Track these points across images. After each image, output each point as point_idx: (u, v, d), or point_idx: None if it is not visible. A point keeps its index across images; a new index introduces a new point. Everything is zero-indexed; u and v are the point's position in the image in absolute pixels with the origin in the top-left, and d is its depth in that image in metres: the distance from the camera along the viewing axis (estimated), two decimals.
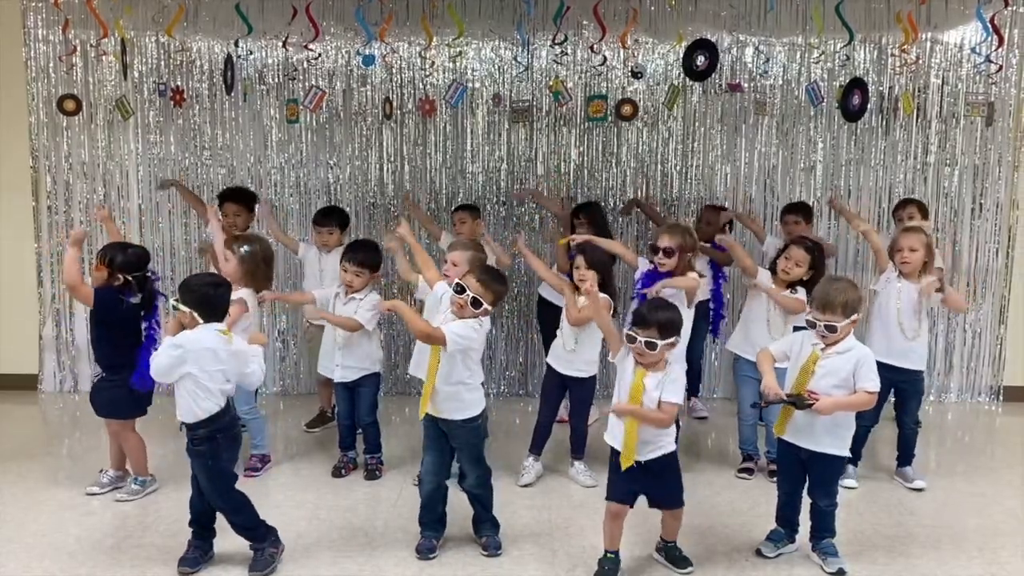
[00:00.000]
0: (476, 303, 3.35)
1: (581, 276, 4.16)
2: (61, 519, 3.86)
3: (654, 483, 3.32)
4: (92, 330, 4.11)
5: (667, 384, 3.21)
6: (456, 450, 3.56)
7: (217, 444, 3.32)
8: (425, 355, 3.49)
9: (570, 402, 4.49)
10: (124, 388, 4.01)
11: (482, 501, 3.62)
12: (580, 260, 4.21)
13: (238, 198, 5.09)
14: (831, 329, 3.34)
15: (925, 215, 5.12)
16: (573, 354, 4.30)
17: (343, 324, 4.30)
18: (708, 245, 5.15)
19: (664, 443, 3.28)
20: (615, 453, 3.30)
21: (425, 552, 3.49)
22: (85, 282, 4.02)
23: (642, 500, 3.38)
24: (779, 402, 3.39)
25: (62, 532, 3.72)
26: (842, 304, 3.33)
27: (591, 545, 3.59)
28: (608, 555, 3.38)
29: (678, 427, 3.68)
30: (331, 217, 5.12)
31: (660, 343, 3.18)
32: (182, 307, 3.27)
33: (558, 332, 4.40)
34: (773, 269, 4.39)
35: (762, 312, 4.38)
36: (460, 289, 3.36)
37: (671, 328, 3.22)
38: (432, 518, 3.57)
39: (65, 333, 6.04)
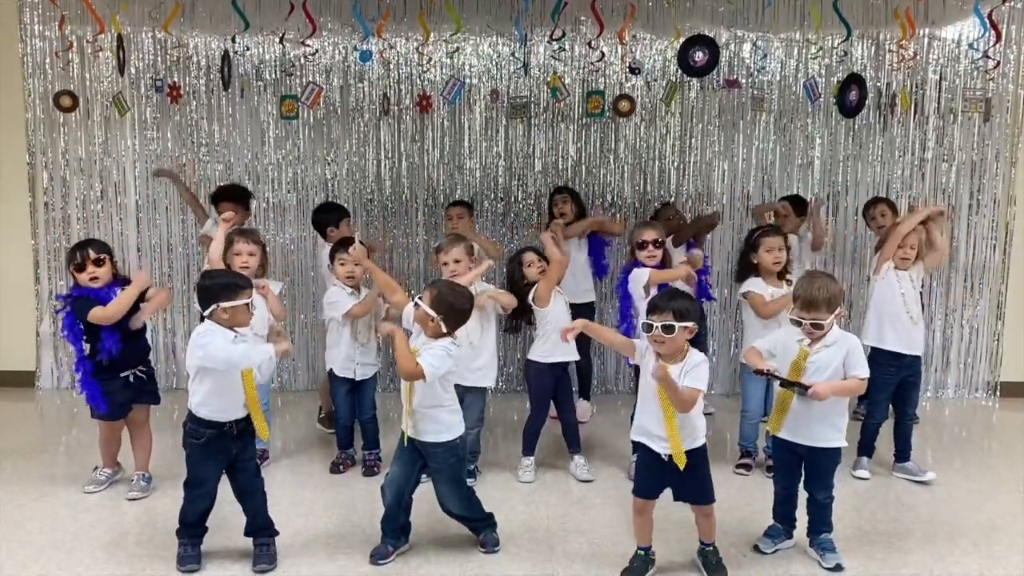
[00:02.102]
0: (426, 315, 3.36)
1: (542, 269, 4.27)
2: (58, 516, 3.86)
3: (682, 477, 3.24)
4: (116, 331, 3.95)
5: (689, 370, 3.17)
6: (433, 473, 3.50)
7: None
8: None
9: (557, 396, 4.43)
10: (143, 375, 4.09)
11: (471, 517, 3.59)
12: (531, 256, 4.31)
13: (234, 197, 5.04)
14: (817, 326, 3.34)
15: (895, 212, 5.16)
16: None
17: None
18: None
19: (696, 436, 3.24)
20: (643, 447, 3.28)
21: (378, 557, 3.45)
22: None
23: (670, 501, 3.35)
24: (777, 379, 3.39)
25: (60, 530, 3.72)
26: (826, 301, 3.33)
27: (588, 541, 3.60)
28: (639, 552, 3.36)
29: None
30: (346, 214, 5.16)
31: (677, 325, 3.14)
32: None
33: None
34: (753, 270, 4.38)
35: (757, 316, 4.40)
36: (415, 305, 3.42)
37: (687, 314, 3.18)
38: (392, 526, 3.51)
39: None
